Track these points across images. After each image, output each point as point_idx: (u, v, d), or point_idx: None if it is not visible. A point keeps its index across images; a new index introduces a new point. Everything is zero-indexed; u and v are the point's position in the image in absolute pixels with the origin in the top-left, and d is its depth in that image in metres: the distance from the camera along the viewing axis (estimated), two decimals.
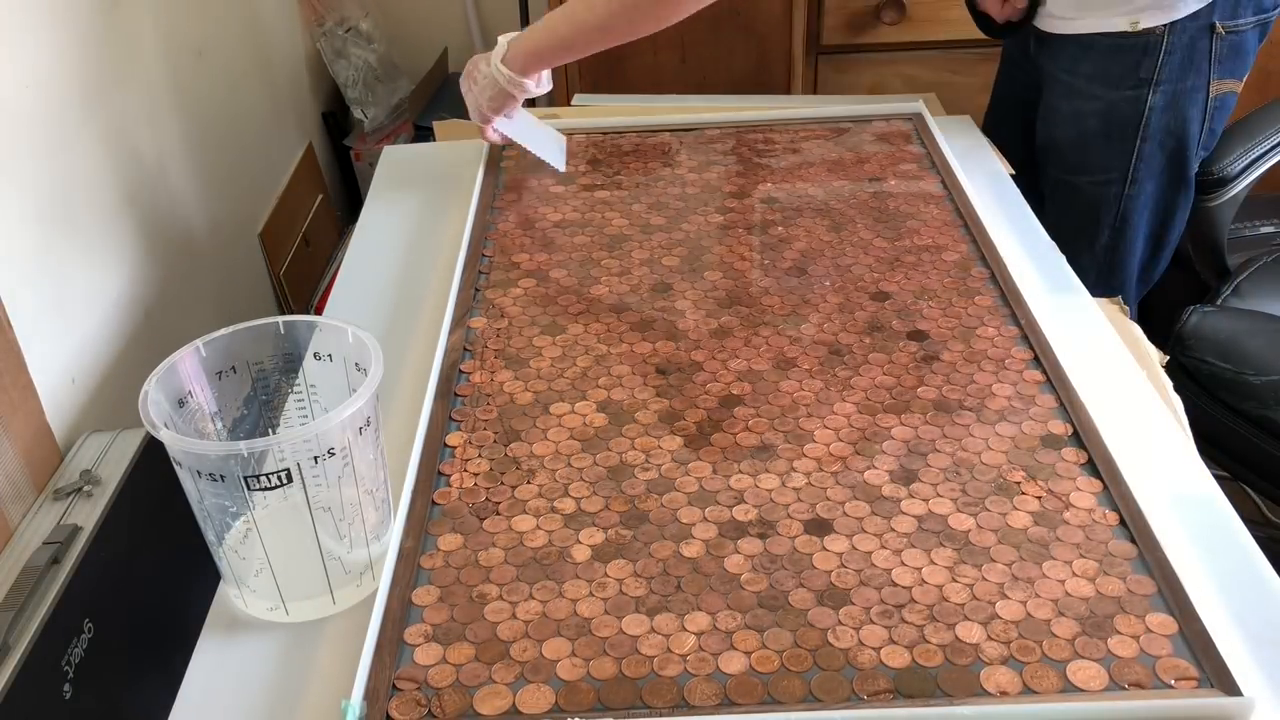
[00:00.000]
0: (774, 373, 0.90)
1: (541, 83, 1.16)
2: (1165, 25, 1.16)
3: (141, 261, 1.31)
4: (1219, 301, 1.41)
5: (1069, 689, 0.64)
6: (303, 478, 0.67)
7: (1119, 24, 1.18)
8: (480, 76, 1.16)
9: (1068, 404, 0.85)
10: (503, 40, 1.15)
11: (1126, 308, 1.01)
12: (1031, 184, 1.30)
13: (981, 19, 1.33)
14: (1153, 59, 1.19)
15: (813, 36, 1.84)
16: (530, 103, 2.23)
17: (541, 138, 1.25)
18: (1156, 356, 0.96)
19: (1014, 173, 1.23)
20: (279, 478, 0.66)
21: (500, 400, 0.88)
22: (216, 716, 0.67)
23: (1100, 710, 0.62)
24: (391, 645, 0.68)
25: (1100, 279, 1.32)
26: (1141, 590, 0.70)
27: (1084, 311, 0.99)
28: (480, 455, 0.83)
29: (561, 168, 1.24)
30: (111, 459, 1.00)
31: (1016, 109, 1.41)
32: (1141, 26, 1.17)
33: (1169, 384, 0.92)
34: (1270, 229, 1.66)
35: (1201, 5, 1.16)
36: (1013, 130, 1.38)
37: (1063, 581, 0.70)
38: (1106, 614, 0.68)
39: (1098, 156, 1.26)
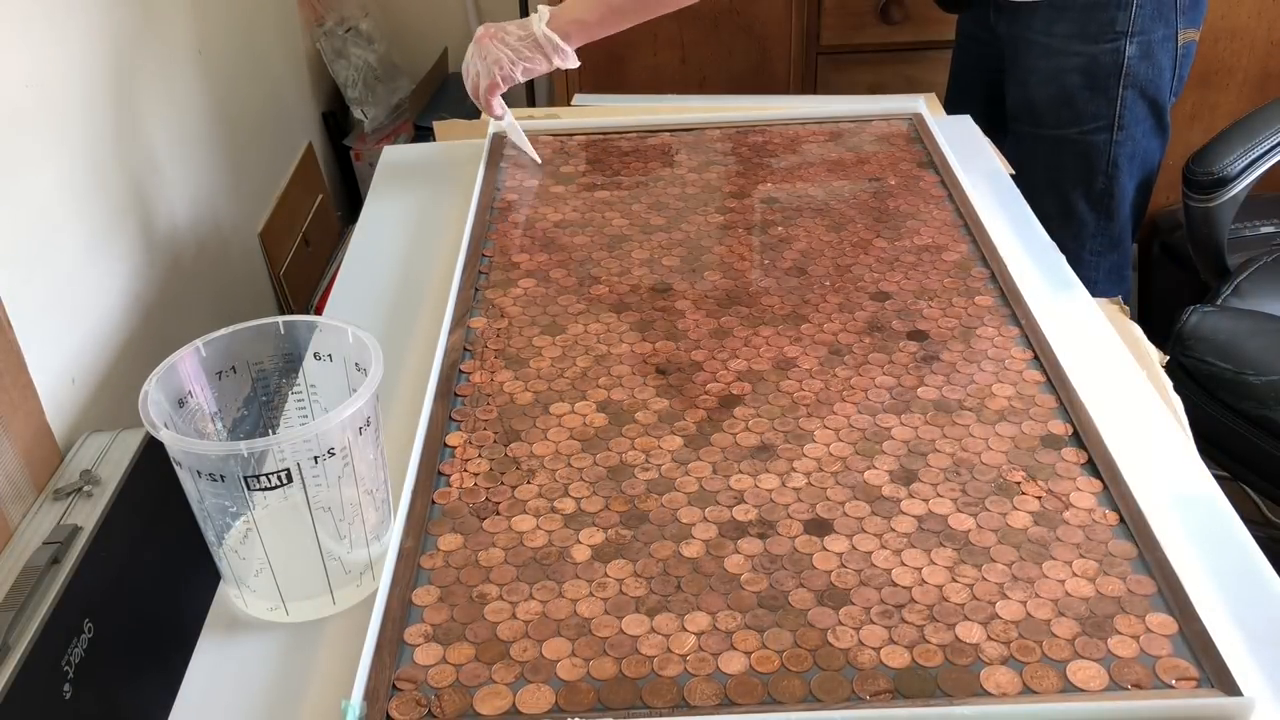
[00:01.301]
0: (774, 373, 0.90)
1: (571, 57, 1.20)
2: None
3: (141, 261, 1.31)
4: (1219, 301, 1.41)
5: (1069, 689, 0.64)
6: (303, 478, 0.67)
7: None
8: (512, 39, 1.18)
9: (1068, 404, 0.85)
10: (543, 9, 1.18)
11: (1126, 308, 1.01)
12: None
13: None
14: (1127, 12, 1.30)
15: (812, 36, 1.84)
16: (530, 100, 2.24)
17: (519, 130, 1.26)
18: (1156, 356, 0.96)
19: (1013, 173, 1.23)
20: (279, 478, 0.66)
21: (500, 400, 0.88)
22: (216, 716, 0.67)
23: (1100, 710, 0.62)
24: (391, 645, 0.68)
25: (1100, 226, 1.42)
26: (1141, 590, 0.70)
27: (1084, 311, 0.99)
28: (480, 455, 0.83)
29: (538, 160, 1.26)
30: (111, 459, 1.00)
31: (977, 83, 1.52)
32: None
33: (1169, 384, 0.92)
34: (1270, 229, 1.66)
35: None
36: (975, 103, 1.46)
37: (1063, 581, 0.70)
38: (1106, 614, 0.68)
39: (1084, 107, 1.36)
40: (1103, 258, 1.44)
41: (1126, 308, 1.01)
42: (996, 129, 1.47)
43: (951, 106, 1.46)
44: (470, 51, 1.20)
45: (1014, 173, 1.23)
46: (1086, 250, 1.44)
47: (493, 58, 1.18)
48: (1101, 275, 1.45)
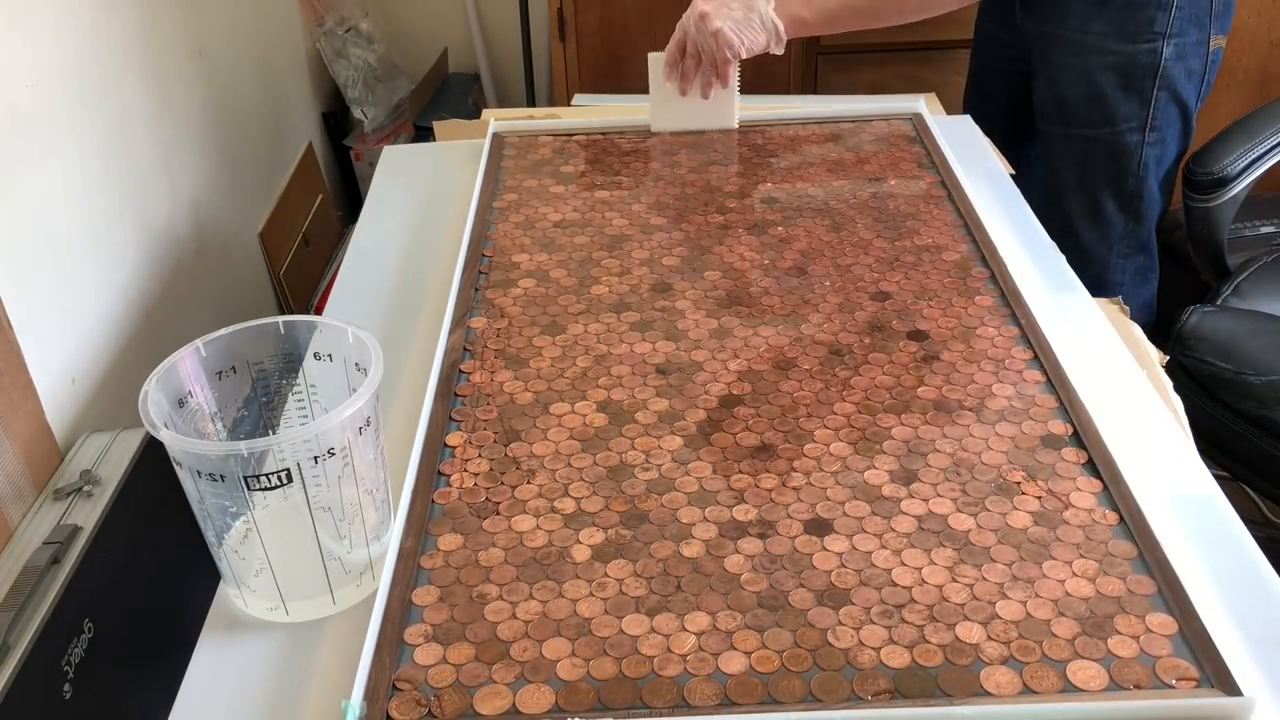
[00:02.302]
0: (774, 373, 0.90)
1: (783, 46, 1.23)
2: None
3: (141, 261, 1.31)
4: (1219, 301, 1.41)
5: (1069, 689, 0.64)
6: (303, 478, 0.67)
7: None
8: (737, 12, 1.20)
9: (1068, 404, 0.85)
10: None
11: (1126, 308, 1.01)
12: (1018, 155, 1.36)
13: None
14: (1166, 13, 1.28)
15: (813, 36, 1.84)
16: (530, 100, 2.24)
17: (716, 104, 1.28)
18: (1156, 356, 0.96)
19: (1013, 172, 1.23)
20: (279, 478, 0.66)
21: (500, 400, 0.88)
22: (216, 716, 0.67)
23: (1100, 710, 0.62)
24: (391, 645, 0.68)
25: (1128, 228, 1.40)
26: (1141, 590, 0.70)
27: (1084, 311, 0.99)
28: (480, 455, 0.83)
29: (733, 124, 1.28)
30: (111, 459, 1.00)
31: (998, 86, 1.49)
32: None
33: (1169, 384, 0.92)
34: (1270, 229, 1.66)
35: None
36: (998, 104, 1.45)
37: (1063, 581, 0.70)
38: (1106, 614, 0.68)
39: (1117, 107, 1.34)
40: (1129, 260, 1.43)
41: (1126, 308, 1.01)
42: (1019, 132, 1.45)
43: (971, 110, 1.44)
44: (690, 22, 1.21)
45: (1013, 173, 1.23)
46: (1114, 252, 1.42)
47: (724, 38, 1.19)
48: (1128, 278, 1.43)
